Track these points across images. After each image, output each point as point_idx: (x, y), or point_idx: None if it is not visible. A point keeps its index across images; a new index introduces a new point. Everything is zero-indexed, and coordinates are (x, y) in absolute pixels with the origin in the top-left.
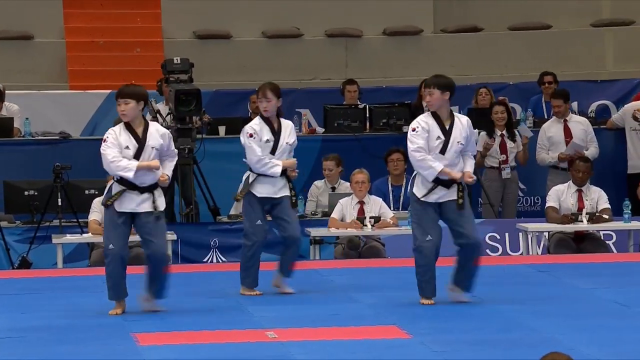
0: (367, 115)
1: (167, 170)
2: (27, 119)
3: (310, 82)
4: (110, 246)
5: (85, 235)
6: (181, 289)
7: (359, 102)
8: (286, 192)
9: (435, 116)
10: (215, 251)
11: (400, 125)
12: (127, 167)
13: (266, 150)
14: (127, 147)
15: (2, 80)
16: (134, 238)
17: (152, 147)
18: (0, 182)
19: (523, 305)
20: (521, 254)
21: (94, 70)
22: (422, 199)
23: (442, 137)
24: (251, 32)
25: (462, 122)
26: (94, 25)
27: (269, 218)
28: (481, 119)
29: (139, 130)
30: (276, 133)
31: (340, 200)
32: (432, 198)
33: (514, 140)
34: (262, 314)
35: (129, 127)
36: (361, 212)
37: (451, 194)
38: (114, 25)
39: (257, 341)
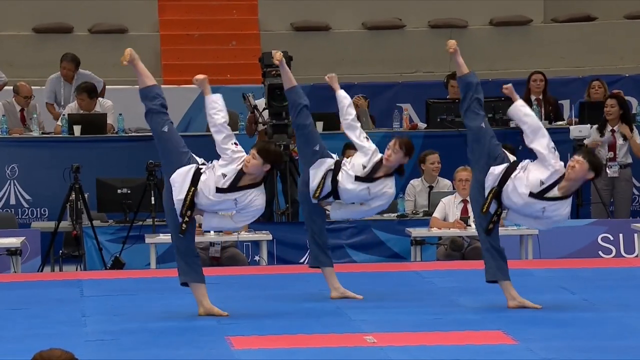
0: None
1: None
2: (120, 115)
3: (412, 75)
4: None
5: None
6: (277, 291)
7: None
8: None
9: None
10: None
11: (507, 120)
12: None
13: None
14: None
15: (95, 75)
16: (229, 238)
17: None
18: (93, 180)
19: (638, 311)
20: (636, 256)
21: (188, 64)
22: None
23: None
24: (350, 24)
25: None
26: (189, 17)
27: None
28: (594, 114)
29: (244, 184)
30: None
31: (442, 199)
32: None
33: (626, 137)
34: (361, 318)
35: (238, 175)
36: (465, 211)
37: None
38: (210, 17)
39: (355, 346)
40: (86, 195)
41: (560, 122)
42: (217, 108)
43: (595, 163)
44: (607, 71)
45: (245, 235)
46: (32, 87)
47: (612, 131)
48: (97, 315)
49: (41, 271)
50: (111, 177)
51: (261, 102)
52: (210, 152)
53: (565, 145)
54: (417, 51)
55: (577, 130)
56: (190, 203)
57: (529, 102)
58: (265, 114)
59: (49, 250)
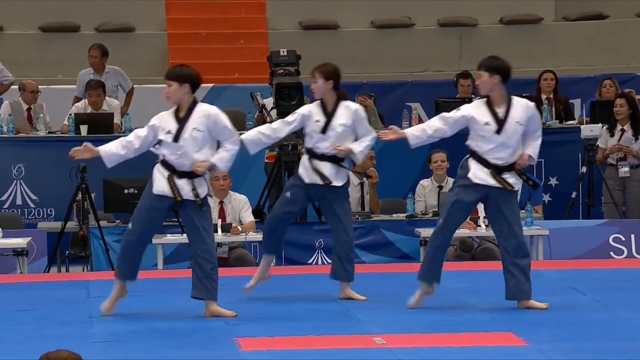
0: None
1: (216, 157)
2: (127, 114)
3: (422, 74)
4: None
5: (186, 235)
6: (285, 292)
7: (473, 96)
8: None
9: (488, 102)
10: (321, 252)
11: None
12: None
13: (317, 129)
14: (168, 132)
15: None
16: (237, 239)
17: (194, 129)
18: (99, 180)
19: None
20: None
21: (196, 63)
22: None
23: (493, 123)
24: (359, 22)
25: (520, 104)
26: (197, 16)
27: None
28: (605, 113)
29: (182, 113)
30: (329, 114)
31: None
32: None
33: (637, 137)
34: (370, 319)
35: (175, 111)
36: (475, 211)
37: None
38: (217, 16)
39: (364, 347)
40: (93, 196)
41: (571, 122)
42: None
43: (489, 64)
44: (618, 70)
45: (253, 236)
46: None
47: (622, 131)
48: (104, 316)
49: (48, 272)
50: (118, 177)
51: (269, 101)
52: None
53: (576, 145)
54: (426, 50)
55: (588, 130)
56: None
57: (539, 101)
58: (274, 113)
59: (55, 250)
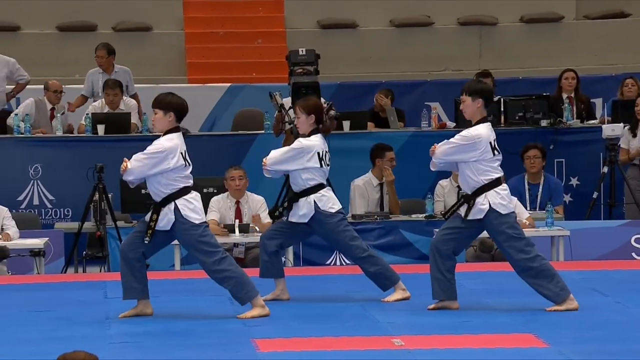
0: (502, 108)
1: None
2: (144, 114)
3: (441, 73)
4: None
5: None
6: (303, 293)
7: (493, 95)
8: None
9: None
10: (339, 253)
11: (538, 119)
12: None
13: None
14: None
15: None
16: (254, 239)
17: None
18: (116, 180)
19: None
20: None
21: (213, 62)
22: None
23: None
24: (378, 21)
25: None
26: (214, 15)
27: None
28: (627, 112)
29: None
30: None
31: None
32: None
33: None
34: (389, 320)
35: None
36: None
37: None
38: (235, 15)
39: (383, 349)
40: (110, 196)
41: (593, 121)
42: None
43: (473, 88)
44: None
45: None
46: None
47: None
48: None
49: (65, 272)
50: None
51: (288, 101)
52: (237, 151)
53: (597, 145)
54: (445, 49)
55: (610, 130)
56: None
57: (560, 101)
58: (292, 113)
59: (72, 251)
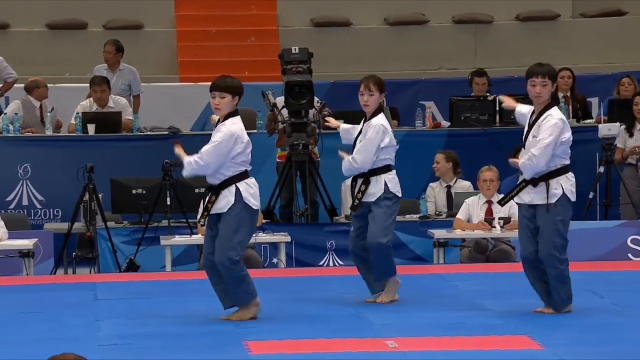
0: (497, 107)
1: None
2: (135, 113)
3: (436, 72)
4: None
5: (194, 236)
6: (295, 294)
7: (488, 94)
8: None
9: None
10: (332, 254)
11: None
12: None
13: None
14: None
15: None
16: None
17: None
18: (107, 181)
19: None
20: None
21: (205, 61)
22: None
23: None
24: (372, 19)
25: None
26: (206, 13)
27: None
28: (623, 112)
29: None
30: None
31: (466, 200)
32: None
33: None
34: (382, 322)
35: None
36: (489, 212)
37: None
38: (227, 13)
39: (376, 351)
40: (100, 196)
41: (589, 120)
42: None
43: (553, 73)
44: (637, 68)
45: (263, 237)
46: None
47: None
48: (111, 319)
49: (54, 274)
50: (126, 177)
51: (281, 100)
52: None
53: (593, 145)
54: (440, 47)
55: (606, 129)
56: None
57: (556, 100)
58: (285, 112)
59: (62, 252)
